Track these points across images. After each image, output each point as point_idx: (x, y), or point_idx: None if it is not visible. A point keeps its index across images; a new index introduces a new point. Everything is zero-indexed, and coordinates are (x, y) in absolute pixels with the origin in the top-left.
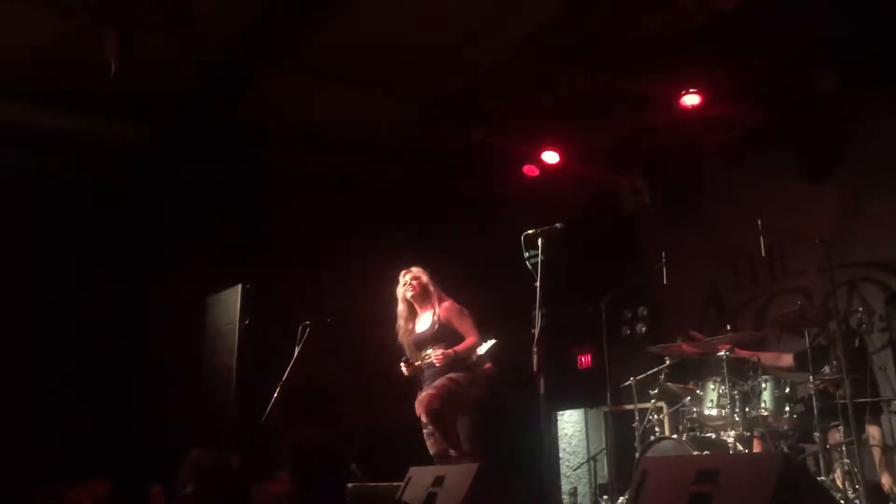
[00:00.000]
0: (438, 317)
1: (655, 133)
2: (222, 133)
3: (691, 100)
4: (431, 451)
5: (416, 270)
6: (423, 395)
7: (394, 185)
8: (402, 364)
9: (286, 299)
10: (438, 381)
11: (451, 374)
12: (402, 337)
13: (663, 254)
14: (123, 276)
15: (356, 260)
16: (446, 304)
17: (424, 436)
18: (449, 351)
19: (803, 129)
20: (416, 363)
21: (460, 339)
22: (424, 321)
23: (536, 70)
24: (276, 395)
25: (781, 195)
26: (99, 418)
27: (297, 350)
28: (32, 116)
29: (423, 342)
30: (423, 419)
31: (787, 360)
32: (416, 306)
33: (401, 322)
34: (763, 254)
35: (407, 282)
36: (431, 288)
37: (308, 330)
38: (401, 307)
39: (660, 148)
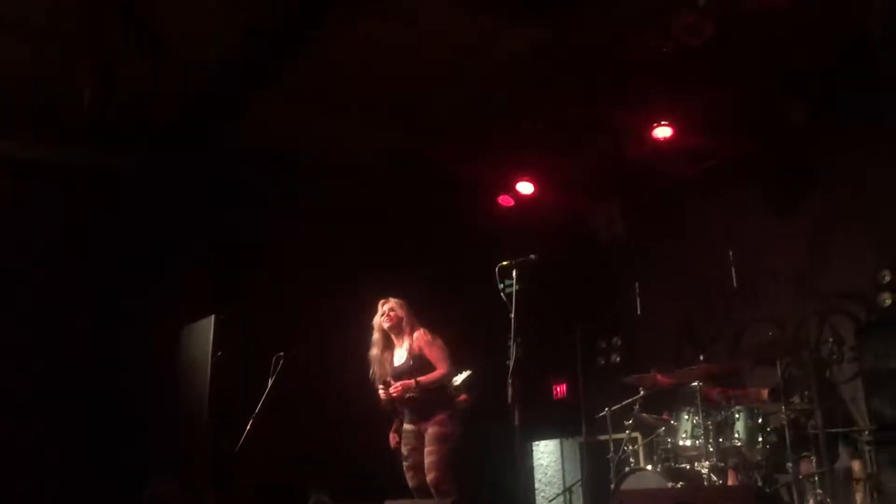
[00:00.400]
0: (412, 348)
1: (629, 164)
2: (197, 161)
3: (663, 132)
4: (410, 483)
5: (393, 301)
6: (427, 465)
7: (369, 214)
8: (380, 388)
9: (261, 329)
10: (436, 454)
11: (440, 430)
12: (376, 366)
13: (637, 284)
14: (97, 306)
15: (331, 288)
16: (418, 333)
17: (404, 468)
18: (409, 382)
19: (774, 161)
20: (392, 393)
21: (433, 368)
22: (400, 354)
23: (511, 101)
24: (248, 427)
25: (753, 226)
26: (72, 446)
27: (270, 381)
28: (8, 145)
29: (399, 375)
30: (404, 452)
31: (764, 394)
32: (392, 337)
33: (374, 351)
34: (735, 284)
35: (385, 312)
36: (406, 319)
37: (282, 361)
38: (376, 336)
39: (634, 179)
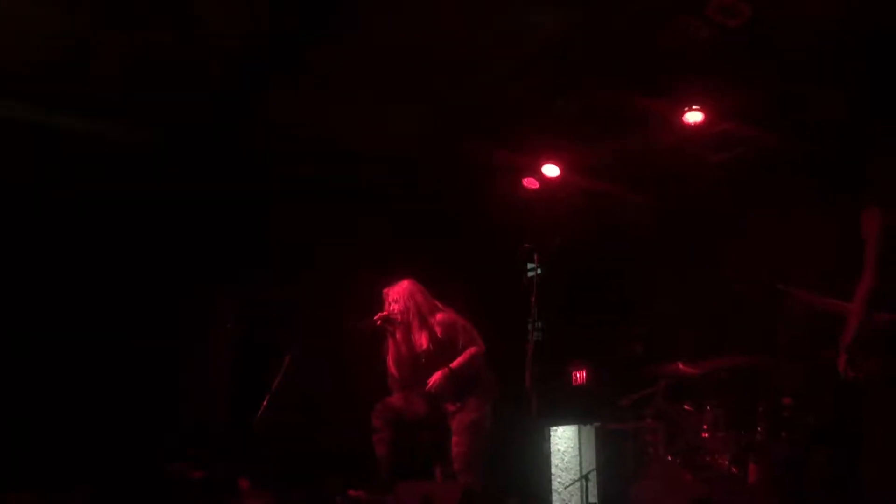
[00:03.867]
0: (434, 334)
1: (658, 152)
2: (222, 144)
3: (694, 116)
4: (379, 453)
5: (395, 291)
6: (456, 455)
7: (393, 197)
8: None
9: (283, 311)
10: (466, 445)
11: (472, 416)
12: (391, 362)
13: (662, 273)
14: (118, 282)
15: (353, 271)
16: (440, 317)
17: (376, 439)
18: (440, 374)
19: (809, 154)
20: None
21: (457, 352)
22: (419, 341)
23: (540, 85)
24: (264, 403)
25: (785, 218)
26: (90, 425)
27: (277, 380)
28: (35, 116)
29: (418, 361)
30: (377, 425)
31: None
32: (409, 325)
33: (390, 345)
34: (765, 278)
35: (389, 304)
36: (417, 305)
37: (289, 362)
38: (389, 327)
39: (662, 167)
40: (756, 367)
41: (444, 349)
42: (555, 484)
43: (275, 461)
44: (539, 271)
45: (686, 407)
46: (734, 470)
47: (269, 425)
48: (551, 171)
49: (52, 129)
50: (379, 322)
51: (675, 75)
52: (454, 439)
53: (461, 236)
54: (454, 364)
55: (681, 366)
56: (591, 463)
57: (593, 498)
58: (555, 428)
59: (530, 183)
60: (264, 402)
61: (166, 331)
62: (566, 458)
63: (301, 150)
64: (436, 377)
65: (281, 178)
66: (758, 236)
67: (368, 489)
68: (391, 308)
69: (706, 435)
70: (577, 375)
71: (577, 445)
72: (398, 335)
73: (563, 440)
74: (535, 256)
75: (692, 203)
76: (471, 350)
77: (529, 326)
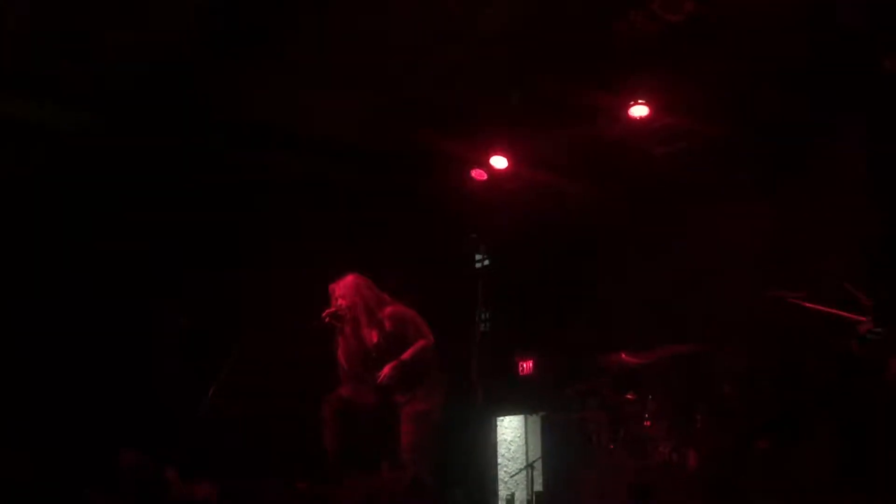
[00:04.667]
0: (383, 328)
1: (604, 144)
2: (164, 131)
3: (639, 111)
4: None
5: (341, 286)
6: (406, 445)
7: (339, 188)
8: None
9: (228, 305)
10: (415, 435)
11: (422, 407)
12: (341, 355)
13: (608, 264)
14: (75, 267)
15: (297, 259)
16: (388, 310)
17: (329, 430)
18: (389, 367)
19: (750, 144)
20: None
21: (407, 345)
22: (368, 336)
23: (490, 75)
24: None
25: (725, 207)
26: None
27: (224, 371)
28: None
29: (369, 356)
30: (328, 418)
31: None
32: (357, 320)
33: (339, 339)
34: (705, 266)
35: (336, 300)
36: (364, 300)
37: (239, 348)
38: (337, 324)
39: (608, 159)
40: (697, 355)
41: (393, 342)
42: (501, 473)
43: (220, 451)
44: (486, 262)
45: (629, 396)
46: (675, 458)
47: (216, 415)
48: (500, 162)
49: None
50: (327, 319)
51: (621, 69)
52: (403, 429)
53: (407, 228)
54: (404, 356)
55: (624, 356)
56: (536, 452)
57: (538, 486)
58: (501, 418)
59: (479, 174)
60: (210, 392)
61: (110, 323)
62: (512, 448)
63: (245, 137)
64: (386, 370)
65: (224, 168)
66: (699, 225)
67: (315, 481)
68: (338, 304)
69: (648, 423)
70: (524, 366)
71: (524, 435)
72: (347, 330)
73: (510, 430)
74: (482, 247)
75: (637, 194)
76: (420, 342)
77: (476, 318)
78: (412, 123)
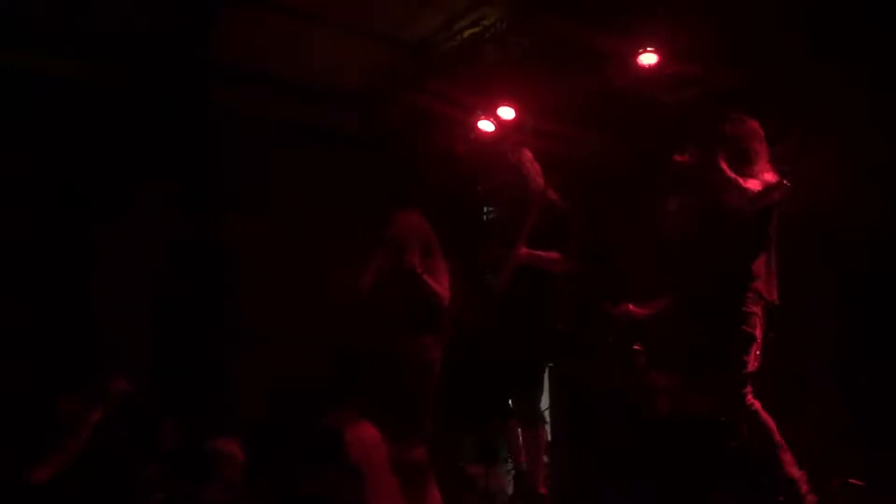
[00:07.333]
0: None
1: (612, 93)
2: (163, 75)
3: (648, 59)
4: None
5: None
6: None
7: (344, 137)
8: None
9: (234, 250)
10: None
11: (424, 356)
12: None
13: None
14: (77, 220)
15: (307, 210)
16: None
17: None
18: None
19: (758, 93)
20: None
21: None
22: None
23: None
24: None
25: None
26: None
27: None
28: None
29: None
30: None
31: None
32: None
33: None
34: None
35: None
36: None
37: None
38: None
39: (616, 108)
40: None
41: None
42: None
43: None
44: (495, 214)
45: (636, 347)
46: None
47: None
48: (507, 113)
49: None
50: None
51: (630, 15)
52: (405, 377)
53: (415, 178)
54: (428, 277)
55: (631, 307)
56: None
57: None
58: None
59: (486, 125)
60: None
61: (88, 263)
62: None
63: (247, 83)
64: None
65: (225, 113)
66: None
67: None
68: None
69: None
70: None
71: None
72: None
73: None
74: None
75: (644, 144)
76: (441, 292)
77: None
78: (419, 72)
